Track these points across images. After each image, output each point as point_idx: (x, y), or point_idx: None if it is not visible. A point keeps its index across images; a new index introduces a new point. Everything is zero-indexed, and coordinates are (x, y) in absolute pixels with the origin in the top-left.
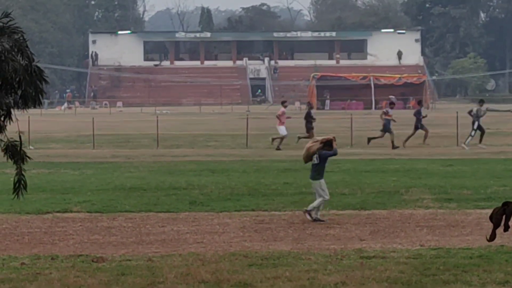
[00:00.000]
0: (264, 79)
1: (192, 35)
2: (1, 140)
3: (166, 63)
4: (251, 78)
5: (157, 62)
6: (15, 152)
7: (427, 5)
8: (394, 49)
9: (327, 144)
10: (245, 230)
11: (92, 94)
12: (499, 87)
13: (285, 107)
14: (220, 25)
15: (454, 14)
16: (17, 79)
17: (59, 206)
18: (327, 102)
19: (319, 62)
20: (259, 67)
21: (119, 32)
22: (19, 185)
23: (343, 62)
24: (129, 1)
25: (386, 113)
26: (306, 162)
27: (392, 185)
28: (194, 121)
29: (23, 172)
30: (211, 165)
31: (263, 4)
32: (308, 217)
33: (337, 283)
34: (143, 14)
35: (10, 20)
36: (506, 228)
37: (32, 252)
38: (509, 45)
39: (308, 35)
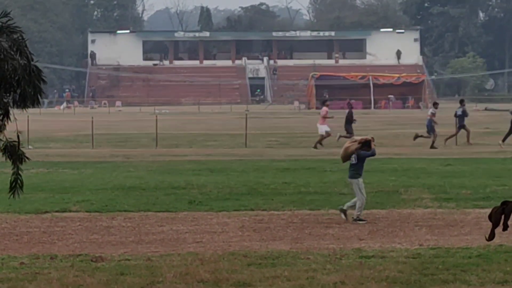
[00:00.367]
0: (263, 78)
1: (191, 34)
2: (0, 140)
3: (165, 63)
4: (250, 78)
5: (156, 62)
6: (13, 152)
7: (426, 5)
8: (393, 49)
9: (366, 144)
10: (244, 229)
11: (91, 94)
12: (498, 87)
13: (327, 106)
14: (219, 25)
15: (453, 13)
16: (16, 78)
17: (58, 205)
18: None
19: (318, 61)
20: (258, 67)
21: (118, 32)
22: (16, 185)
23: (342, 62)
24: (128, 1)
25: (433, 114)
26: (344, 161)
27: (391, 184)
28: (193, 121)
29: (20, 172)
30: (210, 164)
31: (262, 4)
32: (343, 216)
33: (336, 282)
34: (142, 13)
35: (9, 20)
36: (505, 227)
37: (31, 252)
38: (508, 44)
39: (307, 34)
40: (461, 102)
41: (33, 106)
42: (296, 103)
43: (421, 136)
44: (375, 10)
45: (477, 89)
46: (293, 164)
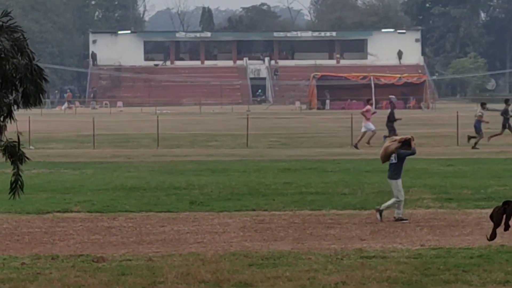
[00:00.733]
0: (264, 79)
1: (192, 35)
2: (1, 140)
3: (166, 63)
4: (251, 78)
5: (160, 62)
6: (13, 152)
7: (428, 5)
8: (394, 49)
9: (405, 144)
10: (245, 230)
11: (92, 95)
12: (499, 87)
13: (370, 104)
14: (220, 25)
15: (455, 14)
16: (18, 78)
17: (59, 206)
18: (327, 102)
19: (319, 62)
20: (259, 67)
21: (119, 32)
22: (16, 185)
23: (343, 62)
24: (129, 1)
25: (481, 115)
26: (383, 161)
27: None
28: (194, 121)
29: (20, 173)
30: (211, 165)
31: (263, 4)
32: (378, 216)
33: (338, 283)
34: (143, 14)
35: (10, 19)
36: (507, 228)
37: (32, 252)
38: (509, 44)
39: (308, 35)
40: (506, 101)
41: (36, 106)
42: (297, 104)
43: (473, 137)
44: (376, 10)
45: (478, 90)
46: (294, 165)
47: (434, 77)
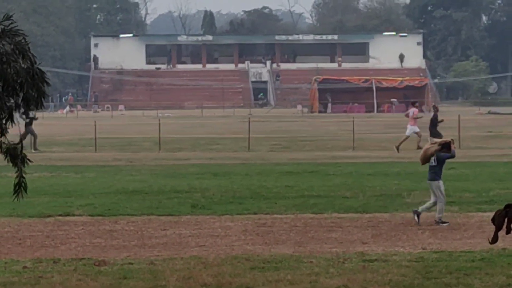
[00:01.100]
0: (266, 82)
1: (194, 38)
2: (3, 143)
3: (168, 66)
4: (253, 81)
5: (162, 66)
6: (15, 155)
7: (429, 8)
8: (396, 52)
9: (445, 147)
10: (247, 233)
11: (93, 99)
12: (501, 90)
13: (416, 107)
14: (222, 28)
15: (456, 17)
16: (19, 81)
17: (61, 209)
18: (329, 105)
19: (321, 65)
20: (261, 70)
21: (121, 36)
22: (19, 187)
23: (345, 65)
24: (131, 5)
25: None
26: (423, 163)
27: (394, 188)
28: (196, 124)
29: (23, 175)
30: (213, 168)
31: (265, 7)
32: (416, 218)
33: (339, 286)
34: (145, 17)
35: (11, 23)
36: (509, 231)
37: (34, 256)
38: (511, 48)
39: (310, 38)
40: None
41: (37, 109)
42: (299, 107)
43: None
44: (378, 13)
45: (480, 93)
46: (296, 168)
47: (436, 80)
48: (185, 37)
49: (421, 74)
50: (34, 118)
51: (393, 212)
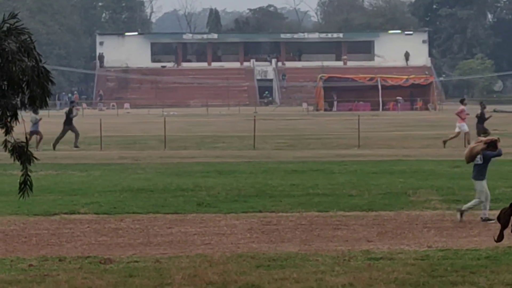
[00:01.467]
0: (271, 80)
1: (199, 36)
2: (8, 141)
3: (173, 65)
4: (258, 80)
5: (169, 64)
6: (22, 153)
7: (435, 6)
8: (401, 50)
9: (491, 145)
10: (253, 231)
11: (98, 98)
12: (506, 88)
13: (464, 105)
14: (227, 27)
15: (461, 15)
16: (25, 80)
17: (66, 207)
18: (335, 103)
19: (326, 63)
20: (266, 69)
21: (127, 34)
22: (25, 186)
23: (350, 64)
24: (136, 3)
25: None
26: (468, 162)
27: (399, 186)
28: (201, 123)
29: (29, 173)
30: (218, 166)
31: (270, 6)
32: (459, 217)
33: (345, 284)
34: (150, 15)
35: (17, 21)
36: None
37: (39, 254)
38: None
39: (315, 36)
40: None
41: (41, 108)
42: (305, 105)
43: None
44: (383, 11)
45: (485, 91)
46: (301, 166)
47: (441, 79)
48: (190, 35)
49: (427, 72)
50: (74, 115)
51: (398, 210)
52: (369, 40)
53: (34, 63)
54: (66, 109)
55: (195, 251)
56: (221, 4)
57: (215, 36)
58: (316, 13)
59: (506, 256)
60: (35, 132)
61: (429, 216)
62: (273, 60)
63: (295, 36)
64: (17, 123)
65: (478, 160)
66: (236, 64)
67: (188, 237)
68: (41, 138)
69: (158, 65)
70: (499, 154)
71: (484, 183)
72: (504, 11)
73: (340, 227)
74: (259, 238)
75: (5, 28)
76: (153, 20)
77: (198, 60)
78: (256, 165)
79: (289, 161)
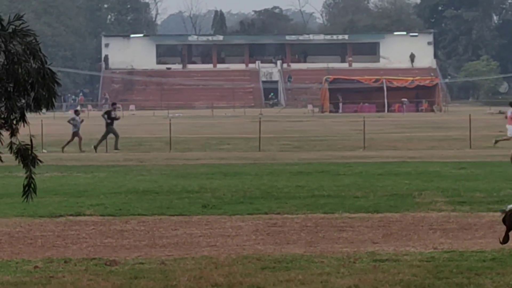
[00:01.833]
0: (276, 82)
1: (205, 38)
2: (13, 143)
3: (178, 66)
4: (263, 81)
5: (171, 65)
6: (26, 155)
7: (440, 8)
8: (406, 52)
9: None
10: (258, 233)
11: (103, 101)
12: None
13: None
14: (232, 28)
15: (467, 16)
16: (30, 82)
17: (72, 209)
18: (340, 105)
19: (331, 65)
20: (271, 70)
21: (132, 36)
22: (29, 189)
23: (356, 65)
24: (141, 5)
25: None
26: None
27: (404, 188)
28: (207, 124)
29: (33, 175)
30: (223, 168)
31: (275, 7)
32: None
33: (350, 286)
34: (155, 17)
35: (22, 23)
36: None
37: (45, 256)
38: None
39: (320, 38)
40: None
41: (47, 109)
42: (310, 107)
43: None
44: (388, 13)
45: (490, 92)
46: (306, 168)
47: (447, 80)
48: (195, 37)
49: (432, 74)
50: (116, 118)
51: (404, 212)
52: (374, 42)
53: (39, 65)
54: (102, 111)
55: (201, 253)
56: (226, 6)
57: (220, 38)
58: (321, 15)
59: (511, 258)
60: (76, 134)
61: (434, 218)
62: (278, 62)
63: (300, 37)
64: (24, 125)
65: None
66: (242, 66)
67: (194, 239)
68: (80, 140)
69: (163, 67)
70: None
71: None
72: (510, 12)
73: (345, 229)
74: (264, 240)
75: (10, 30)
76: (159, 22)
77: (203, 62)
78: (261, 167)
79: (294, 163)
